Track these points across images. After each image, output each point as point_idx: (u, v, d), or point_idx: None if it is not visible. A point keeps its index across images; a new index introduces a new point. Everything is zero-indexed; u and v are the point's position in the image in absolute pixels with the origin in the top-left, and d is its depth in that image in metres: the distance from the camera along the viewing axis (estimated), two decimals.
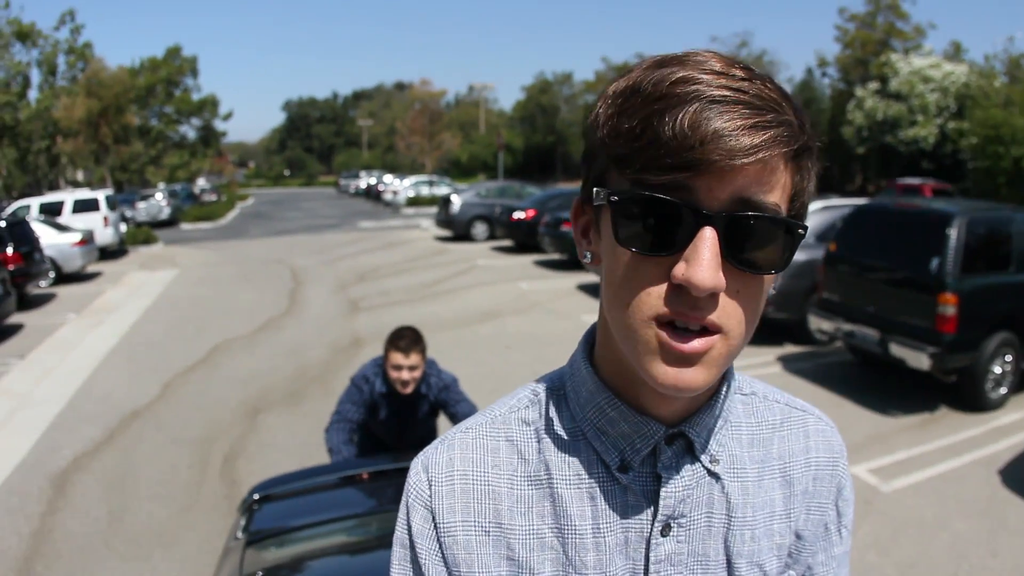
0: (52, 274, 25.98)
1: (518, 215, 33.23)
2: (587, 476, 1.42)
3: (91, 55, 63.05)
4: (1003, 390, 12.64)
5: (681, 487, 1.40)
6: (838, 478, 1.57)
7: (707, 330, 1.21)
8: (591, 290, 23.50)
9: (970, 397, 12.50)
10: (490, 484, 1.45)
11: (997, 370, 12.46)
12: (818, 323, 14.66)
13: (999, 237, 12.81)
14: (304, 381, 14.74)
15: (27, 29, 59.81)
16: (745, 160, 1.12)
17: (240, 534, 4.59)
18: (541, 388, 1.54)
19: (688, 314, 1.19)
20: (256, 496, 5.17)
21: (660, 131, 1.13)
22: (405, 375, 6.24)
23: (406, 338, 6.26)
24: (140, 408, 13.26)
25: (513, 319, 19.77)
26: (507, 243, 35.23)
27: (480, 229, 38.16)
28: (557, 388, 1.52)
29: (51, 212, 33.39)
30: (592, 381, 1.44)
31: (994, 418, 12.13)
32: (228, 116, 79.81)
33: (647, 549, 1.39)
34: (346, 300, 23.19)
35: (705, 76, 1.16)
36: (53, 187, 59.55)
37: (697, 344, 1.21)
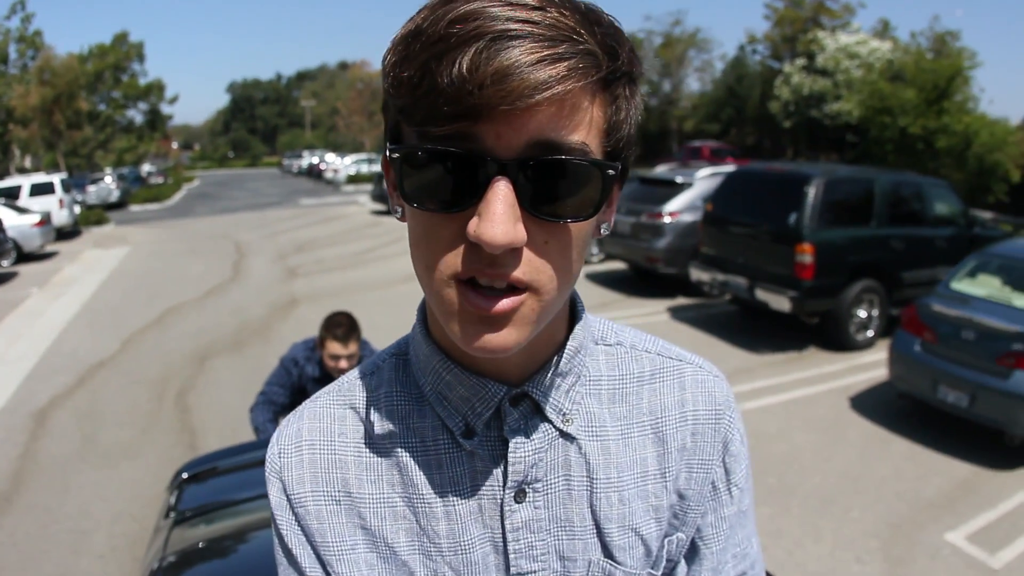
0: (14, 253, 27.41)
1: None
2: (432, 443, 1.38)
3: (42, 43, 63.43)
4: (870, 333, 14.21)
5: (531, 450, 1.34)
6: (723, 432, 1.47)
7: (515, 288, 1.14)
8: None
9: (835, 338, 14.07)
10: (336, 453, 1.42)
11: (862, 314, 14.06)
12: (698, 275, 15.99)
13: (860, 195, 14.33)
14: (246, 334, 16.64)
15: None
16: (531, 100, 1.02)
17: (167, 514, 4.56)
18: (385, 354, 1.51)
19: (488, 272, 1.11)
20: (185, 475, 5.13)
21: (437, 78, 1.03)
22: (344, 364, 6.09)
23: (343, 326, 6.09)
24: (104, 359, 15.11)
25: None
26: None
27: None
28: (401, 353, 1.49)
29: (9, 196, 34.73)
30: (427, 345, 1.39)
31: (858, 357, 13.73)
32: (174, 100, 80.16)
33: (502, 516, 1.35)
34: (285, 268, 25.05)
35: (491, 9, 1.04)
36: (2, 174, 60.35)
37: (502, 304, 1.13)
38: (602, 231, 1.26)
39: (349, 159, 73.77)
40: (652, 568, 1.43)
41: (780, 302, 13.65)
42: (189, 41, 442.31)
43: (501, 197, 1.07)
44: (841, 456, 9.93)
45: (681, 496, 1.44)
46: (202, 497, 4.72)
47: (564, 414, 1.37)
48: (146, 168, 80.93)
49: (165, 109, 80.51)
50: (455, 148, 1.08)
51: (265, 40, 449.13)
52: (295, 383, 6.40)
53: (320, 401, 1.48)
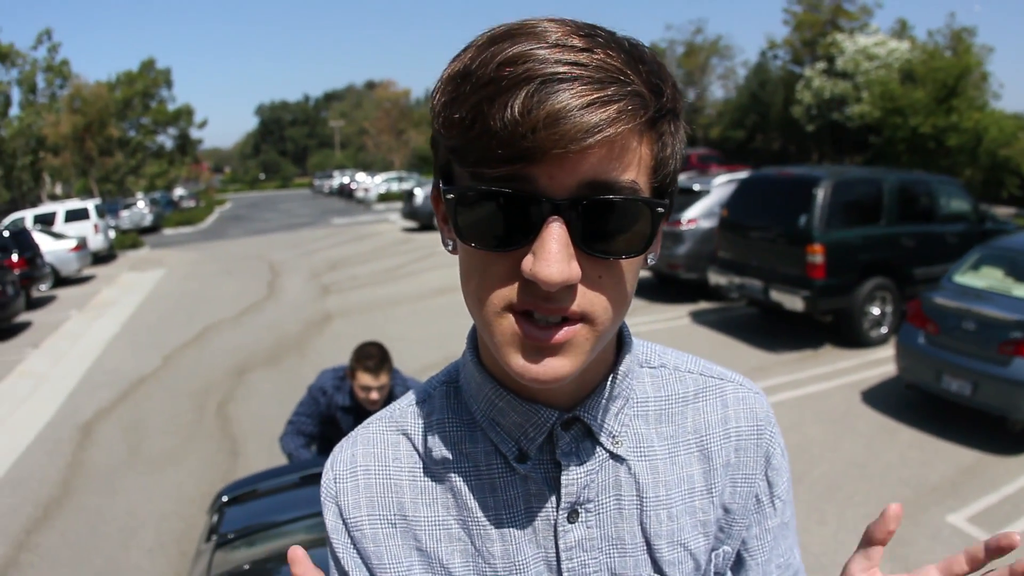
0: (51, 278, 28.05)
1: None
2: (485, 467, 1.40)
3: (69, 72, 64.18)
4: (883, 330, 14.54)
5: (583, 472, 1.36)
6: (765, 447, 1.50)
7: (568, 319, 1.16)
8: None
9: (849, 335, 14.45)
10: (391, 478, 1.44)
11: (875, 311, 14.42)
12: (716, 278, 16.41)
13: (869, 196, 14.71)
14: (282, 348, 17.22)
15: (5, 50, 60.67)
16: (584, 143, 1.05)
17: (210, 536, 4.64)
18: (436, 382, 1.53)
19: (544, 307, 1.14)
20: (225, 498, 5.21)
21: (491, 119, 1.06)
22: (374, 395, 6.05)
23: (374, 358, 6.03)
24: (145, 375, 15.73)
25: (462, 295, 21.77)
26: None
27: None
28: (452, 380, 1.51)
29: (45, 222, 35.31)
30: (479, 373, 1.41)
31: (871, 353, 14.08)
32: (203, 124, 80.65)
33: (555, 536, 1.37)
34: (319, 285, 25.64)
35: (539, 51, 1.07)
36: (35, 202, 60.97)
37: (559, 335, 1.16)
38: (649, 261, 1.28)
39: (379, 178, 74.35)
40: None
41: (793, 302, 14.07)
42: (215, 65, 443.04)
43: (555, 237, 1.10)
44: (849, 446, 10.30)
45: (726, 510, 1.46)
46: (242, 520, 4.81)
47: (614, 436, 1.39)
48: (178, 192, 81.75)
49: (194, 133, 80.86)
50: (509, 189, 1.10)
51: (291, 62, 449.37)
52: (323, 412, 6.42)
53: (372, 427, 1.52)
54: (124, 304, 24.69)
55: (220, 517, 4.89)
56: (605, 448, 1.38)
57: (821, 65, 49.03)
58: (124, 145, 68.93)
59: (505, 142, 1.05)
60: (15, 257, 24.72)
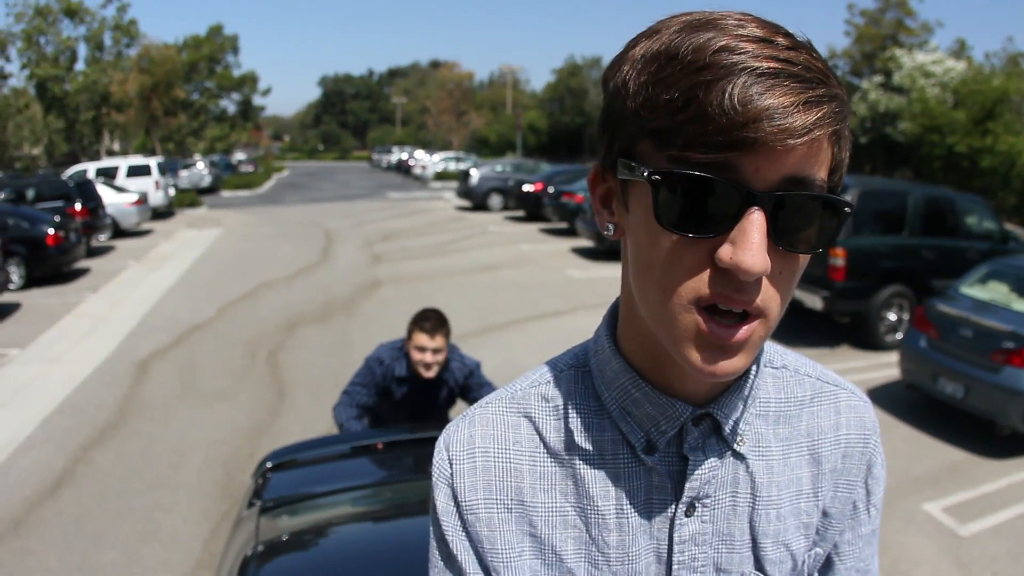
0: (111, 229, 29.35)
1: (527, 188, 36.23)
2: (611, 456, 1.39)
3: (136, 31, 65.33)
4: (899, 335, 14.93)
5: (707, 468, 1.36)
6: (868, 455, 1.51)
7: (747, 313, 1.17)
8: (582, 252, 26.69)
9: (865, 337, 15.07)
10: (511, 462, 1.42)
11: (892, 317, 15.03)
12: None
13: (894, 207, 15.35)
14: (332, 308, 18.26)
15: (75, 7, 62.44)
16: (799, 140, 1.07)
17: (254, 501, 4.55)
18: (563, 364, 1.50)
19: (733, 298, 1.14)
20: (269, 464, 5.16)
21: (708, 105, 1.06)
22: (429, 357, 6.05)
23: (431, 320, 6.08)
24: (200, 323, 16.79)
25: (508, 271, 23.07)
26: (519, 213, 38.19)
27: (495, 200, 41.13)
28: (580, 364, 1.48)
29: (107, 176, 36.30)
30: (616, 361, 1.39)
31: (885, 356, 14.54)
32: (267, 92, 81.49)
33: (671, 529, 1.37)
34: (370, 254, 26.66)
35: (749, 46, 1.09)
36: (94, 156, 62.02)
37: (741, 333, 1.17)
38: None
39: (437, 156, 74.81)
40: None
41: (813, 301, 14.72)
42: (282, 34, 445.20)
43: (758, 227, 1.09)
44: None
45: (825, 514, 1.48)
46: (285, 488, 4.77)
47: (738, 434, 1.38)
48: (237, 156, 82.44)
49: (257, 100, 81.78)
50: (718, 177, 1.09)
51: (358, 36, 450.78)
52: (379, 383, 6.36)
53: (491, 408, 1.47)
54: (181, 258, 25.76)
55: (264, 483, 4.83)
56: (729, 445, 1.38)
57: (878, 79, 48.82)
58: (188, 107, 69.96)
59: (722, 129, 1.05)
60: (78, 206, 25.82)
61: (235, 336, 15.77)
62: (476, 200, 41.73)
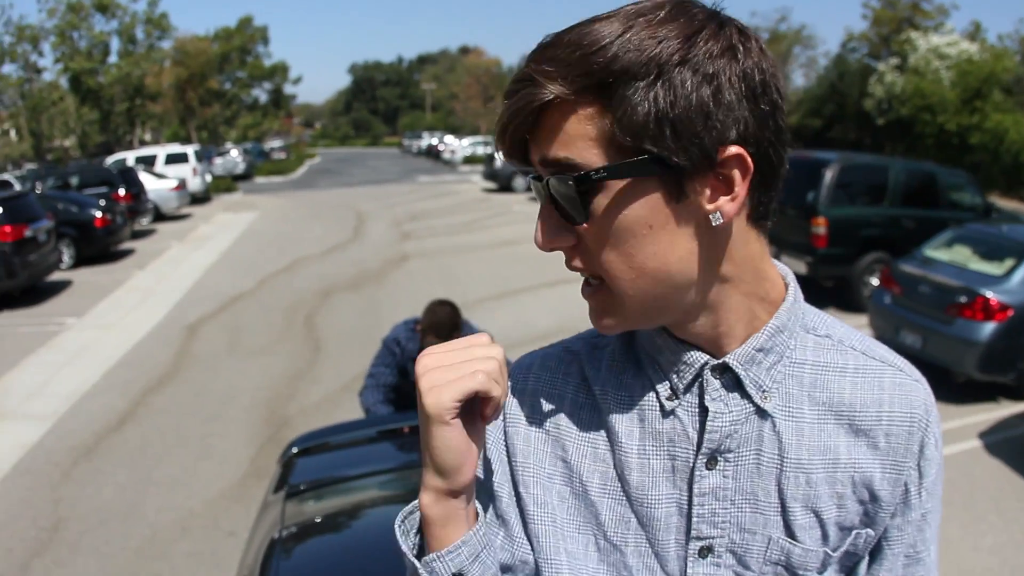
0: (152, 213, 31.00)
1: None
2: (639, 400, 1.44)
3: (168, 24, 66.67)
4: None
5: (728, 421, 1.38)
6: (919, 435, 1.44)
7: (598, 279, 1.31)
8: None
9: (849, 300, 16.09)
10: (557, 389, 1.52)
11: (874, 282, 15.81)
12: None
13: (875, 179, 16.57)
14: (363, 279, 19.83)
15: (106, 1, 63.96)
16: (526, 126, 1.23)
17: (279, 487, 4.58)
18: None
19: (569, 266, 1.33)
20: (295, 450, 5.17)
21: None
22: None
23: (446, 327, 6.02)
24: (243, 293, 18.38)
25: (527, 246, 23.55)
26: None
27: (520, 181, 41.82)
28: None
29: (146, 163, 37.73)
30: None
31: (863, 317, 14.82)
32: (297, 80, 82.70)
33: (691, 480, 1.40)
34: (399, 232, 28.22)
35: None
36: (127, 146, 63.29)
37: (591, 295, 1.35)
38: (717, 219, 1.28)
39: (466, 141, 75.75)
40: (830, 550, 1.45)
41: (798, 266, 15.73)
42: (311, 22, 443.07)
43: (540, 207, 1.33)
44: None
45: (874, 497, 1.43)
46: (311, 472, 4.79)
47: (763, 390, 1.38)
48: (270, 144, 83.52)
49: (288, 89, 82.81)
50: (528, 167, 1.34)
51: (387, 23, 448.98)
52: (399, 361, 6.44)
53: (553, 347, 1.60)
54: (220, 239, 27.32)
55: (290, 468, 4.86)
56: (753, 401, 1.38)
57: (894, 61, 48.96)
58: (220, 97, 71.22)
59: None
60: (122, 192, 27.43)
61: (275, 303, 17.31)
62: (501, 182, 42.95)
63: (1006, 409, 11.07)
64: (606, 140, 1.19)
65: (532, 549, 1.48)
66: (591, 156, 1.20)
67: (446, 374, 1.25)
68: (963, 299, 11.23)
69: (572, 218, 1.26)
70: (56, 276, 20.33)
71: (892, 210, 16.45)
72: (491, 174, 43.92)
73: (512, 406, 1.52)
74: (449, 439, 1.26)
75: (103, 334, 15.23)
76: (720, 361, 1.37)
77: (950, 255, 12.49)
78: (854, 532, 1.44)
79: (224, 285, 19.32)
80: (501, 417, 1.51)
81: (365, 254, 23.61)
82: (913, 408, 1.43)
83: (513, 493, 1.50)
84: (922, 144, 38.11)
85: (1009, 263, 11.67)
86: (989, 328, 10.99)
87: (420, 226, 29.73)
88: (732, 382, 1.38)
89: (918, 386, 1.46)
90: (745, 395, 1.38)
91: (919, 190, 17.04)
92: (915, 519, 1.48)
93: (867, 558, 1.51)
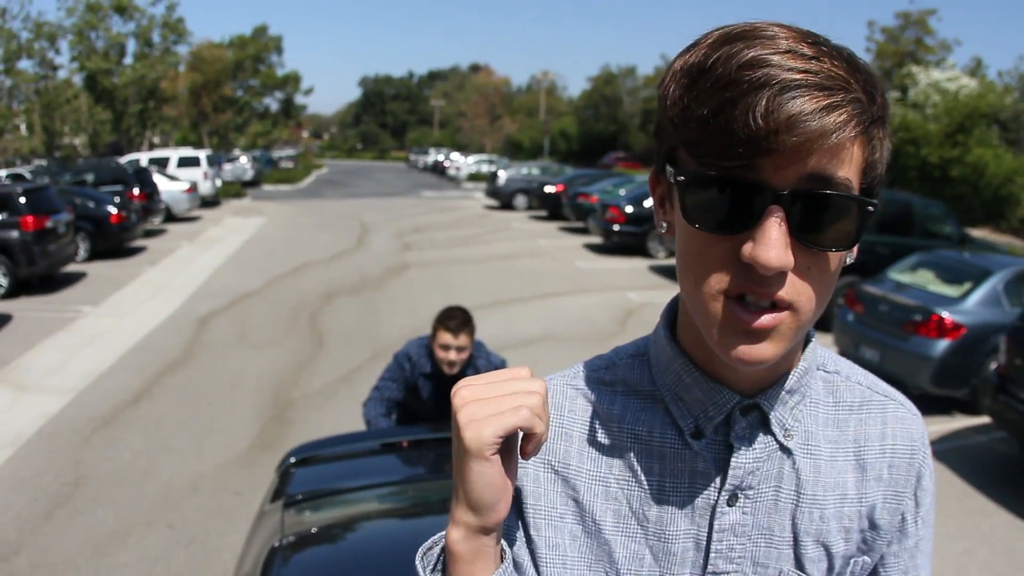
0: (163, 214, 32.01)
1: (549, 189, 38.80)
2: (659, 438, 1.43)
3: (184, 29, 67.36)
4: None
5: (751, 458, 1.39)
6: (917, 467, 1.51)
7: (776, 305, 1.20)
8: (592, 247, 29.12)
9: (822, 321, 15.38)
10: (564, 427, 1.47)
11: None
12: None
13: None
14: (365, 284, 20.84)
15: (124, 3, 64.17)
16: (816, 145, 1.11)
17: (277, 496, 4.56)
18: (624, 353, 1.56)
19: (757, 290, 1.18)
20: (293, 460, 5.12)
21: (733, 122, 1.11)
22: (452, 355, 6.07)
23: (456, 319, 6.07)
24: (251, 291, 19.39)
25: (523, 260, 25.49)
26: (542, 212, 40.62)
27: (520, 200, 43.45)
28: (640, 354, 1.54)
29: (159, 165, 38.84)
30: (671, 348, 1.44)
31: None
32: (309, 91, 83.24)
33: (712, 517, 1.40)
34: (401, 242, 29.22)
35: (775, 57, 1.12)
36: (137, 147, 64.00)
37: (765, 320, 1.19)
38: (848, 260, 1.29)
39: (472, 159, 77.31)
40: None
41: None
42: (324, 33, 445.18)
43: (776, 224, 1.13)
44: None
45: (873, 525, 1.48)
46: (309, 483, 4.74)
47: (786, 429, 1.40)
48: (278, 153, 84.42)
49: (299, 99, 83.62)
50: (739, 177, 1.15)
51: (399, 38, 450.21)
52: (408, 378, 6.39)
53: (555, 380, 1.54)
54: (229, 242, 28.33)
55: (287, 478, 4.81)
56: (776, 439, 1.40)
57: (895, 94, 48.99)
58: (233, 104, 72.08)
59: (745, 143, 1.11)
60: (136, 191, 28.39)
61: (281, 302, 18.30)
62: (503, 200, 44.13)
63: (959, 422, 11.80)
64: (860, 173, 1.21)
65: None
66: (856, 185, 1.20)
67: (486, 407, 1.23)
68: (918, 317, 11.95)
69: (831, 241, 1.20)
70: (71, 268, 21.30)
71: (868, 237, 16.61)
72: (493, 191, 45.16)
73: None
74: (488, 475, 1.23)
75: (118, 322, 16.19)
76: (751, 401, 1.38)
77: (913, 278, 13.22)
78: (852, 560, 1.50)
79: (233, 284, 20.35)
80: None
81: (368, 261, 24.63)
82: (913, 440, 1.52)
83: (524, 536, 1.47)
84: (905, 176, 38.90)
85: (967, 286, 12.39)
86: (942, 345, 11.67)
87: (422, 238, 30.78)
88: (758, 420, 1.41)
89: (916, 419, 1.55)
90: (769, 432, 1.41)
91: (896, 219, 17.84)
92: (910, 546, 1.55)
93: None
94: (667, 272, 23.86)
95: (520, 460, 1.32)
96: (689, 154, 1.20)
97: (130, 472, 9.30)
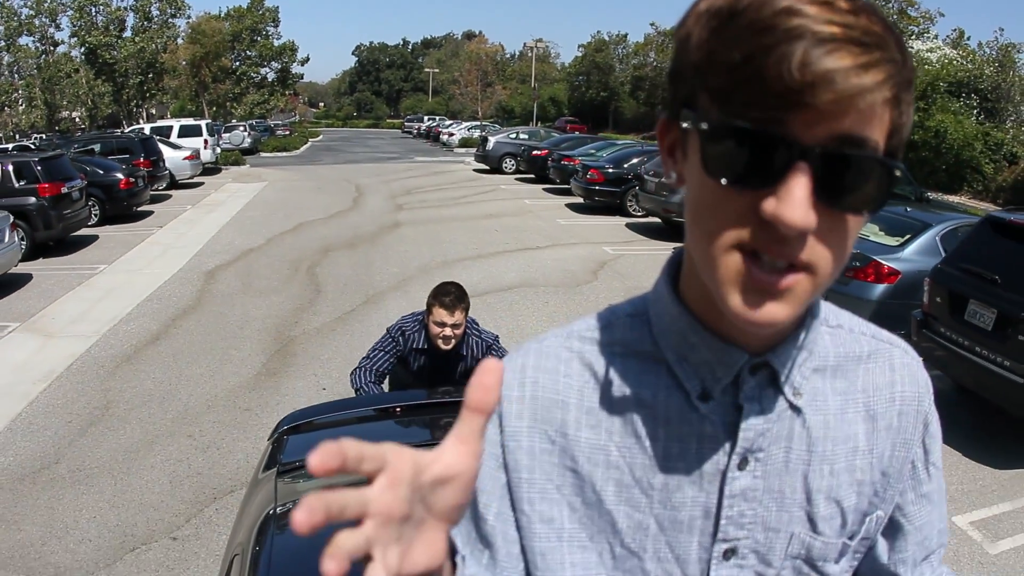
0: (167, 180, 33.08)
1: (536, 152, 40.01)
2: (663, 401, 1.34)
3: (182, 3, 68.64)
4: None
5: (762, 420, 1.31)
6: (924, 413, 1.46)
7: (793, 266, 1.09)
8: (573, 207, 30.35)
9: None
10: (559, 394, 1.38)
11: None
12: None
13: None
14: (359, 240, 22.22)
15: None
16: (851, 104, 1.01)
17: (270, 464, 4.50)
18: (621, 311, 1.46)
19: (775, 250, 1.08)
20: (285, 427, 5.04)
21: (766, 69, 1.01)
22: (448, 332, 6.08)
23: (451, 295, 6.08)
24: (253, 248, 20.81)
25: (508, 219, 26.83)
26: (530, 175, 41.59)
27: (509, 163, 44.62)
28: (639, 312, 1.43)
29: (162, 134, 39.96)
30: (675, 306, 1.34)
31: None
32: (305, 61, 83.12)
33: (722, 483, 1.33)
34: (394, 203, 30.56)
35: (810, 8, 1.01)
36: (136, 118, 65.02)
37: (783, 281, 1.09)
38: (865, 221, 1.14)
39: (464, 125, 78.20)
40: (847, 538, 1.43)
41: None
42: (319, 1, 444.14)
43: (802, 182, 1.04)
44: None
45: (884, 474, 1.43)
46: (302, 450, 4.52)
47: (795, 388, 1.33)
48: (275, 121, 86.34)
49: (296, 69, 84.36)
50: (768, 130, 1.04)
51: (394, 5, 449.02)
52: (400, 351, 6.39)
53: (547, 342, 1.44)
54: (231, 205, 29.65)
55: (280, 446, 4.75)
56: (786, 398, 1.33)
57: None
58: (231, 74, 73.12)
59: (779, 93, 1.01)
60: (142, 159, 29.61)
61: (281, 256, 19.67)
62: (492, 163, 45.27)
63: None
64: (887, 136, 1.10)
65: (537, 567, 1.39)
66: (881, 148, 1.10)
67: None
68: (857, 264, 12.97)
69: (855, 204, 1.09)
70: (83, 232, 22.45)
71: None
72: (483, 156, 46.24)
73: (511, 419, 1.38)
74: None
75: (132, 277, 17.54)
76: (760, 359, 1.30)
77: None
78: (867, 516, 1.44)
79: (237, 242, 21.70)
80: (498, 430, 1.39)
81: (362, 220, 25.94)
82: (919, 387, 1.46)
83: (501, 513, 1.39)
84: None
85: (906, 237, 13.48)
86: (879, 289, 12.72)
87: (413, 199, 32.03)
88: (767, 379, 1.32)
89: (919, 365, 1.49)
90: (779, 392, 1.33)
91: None
92: (926, 492, 1.50)
93: (881, 539, 1.53)
94: (642, 229, 25.08)
95: (514, 429, 1.36)
96: (712, 100, 1.09)
97: (152, 396, 10.62)
